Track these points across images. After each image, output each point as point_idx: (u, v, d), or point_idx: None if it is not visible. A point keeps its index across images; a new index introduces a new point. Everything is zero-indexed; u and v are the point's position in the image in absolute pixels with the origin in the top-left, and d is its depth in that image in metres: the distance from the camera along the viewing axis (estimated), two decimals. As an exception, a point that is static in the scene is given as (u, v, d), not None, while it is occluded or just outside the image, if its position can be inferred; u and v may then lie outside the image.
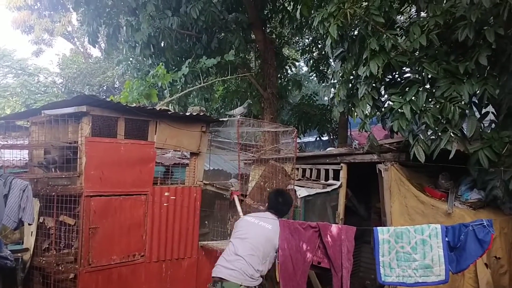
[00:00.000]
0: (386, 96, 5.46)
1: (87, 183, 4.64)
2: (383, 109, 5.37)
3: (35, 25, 22.01)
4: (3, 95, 22.06)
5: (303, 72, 18.77)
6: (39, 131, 5.14)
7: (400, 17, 8.95)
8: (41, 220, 5.08)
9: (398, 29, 5.53)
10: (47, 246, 5.19)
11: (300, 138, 11.43)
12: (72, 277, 4.79)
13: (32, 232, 5.15)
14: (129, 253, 4.97)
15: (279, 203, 4.28)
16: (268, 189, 5.87)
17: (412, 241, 3.53)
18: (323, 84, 11.68)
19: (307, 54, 12.22)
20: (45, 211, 4.97)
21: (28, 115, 5.46)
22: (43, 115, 4.99)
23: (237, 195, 5.63)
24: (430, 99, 4.77)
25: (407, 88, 5.00)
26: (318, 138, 11.85)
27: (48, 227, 5.09)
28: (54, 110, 4.89)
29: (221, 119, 6.23)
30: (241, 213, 5.19)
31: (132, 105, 5.15)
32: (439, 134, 4.61)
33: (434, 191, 5.47)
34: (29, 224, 4.61)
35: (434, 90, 4.77)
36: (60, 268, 4.77)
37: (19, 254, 5.07)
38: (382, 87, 5.51)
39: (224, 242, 5.68)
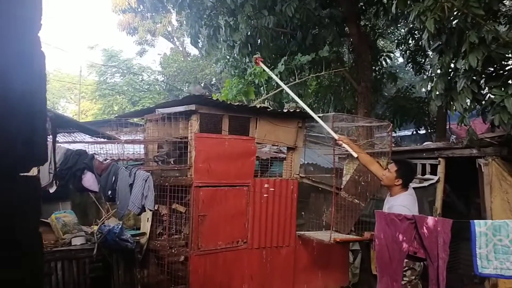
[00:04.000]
0: (486, 89, 5.32)
1: (196, 174, 5.10)
2: (483, 103, 5.25)
3: (138, 26, 23.65)
4: (111, 93, 24.14)
5: (398, 63, 18.26)
6: (153, 128, 5.71)
7: (504, 4, 8.48)
8: (156, 208, 5.67)
9: (501, 17, 5.33)
10: (161, 231, 5.78)
11: (395, 132, 11.19)
12: (182, 259, 5.33)
13: (148, 218, 5.77)
14: (233, 239, 5.39)
15: (414, 175, 4.93)
16: (362, 183, 5.99)
17: (511, 234, 3.50)
18: (420, 76, 11.38)
19: (402, 46, 11.92)
20: (159, 199, 5.50)
21: (143, 113, 6.06)
22: (157, 113, 5.56)
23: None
24: (535, 92, 4.61)
25: (510, 81, 4.86)
26: (414, 132, 11.55)
27: (162, 214, 5.68)
28: (167, 109, 5.44)
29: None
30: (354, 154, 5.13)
31: (235, 103, 5.55)
32: (545, 128, 4.46)
33: (540, 187, 5.27)
34: (151, 210, 5.19)
35: (539, 83, 4.61)
36: (173, 251, 5.31)
37: (137, 238, 5.71)
38: (482, 80, 5.38)
39: (319, 233, 5.90)
